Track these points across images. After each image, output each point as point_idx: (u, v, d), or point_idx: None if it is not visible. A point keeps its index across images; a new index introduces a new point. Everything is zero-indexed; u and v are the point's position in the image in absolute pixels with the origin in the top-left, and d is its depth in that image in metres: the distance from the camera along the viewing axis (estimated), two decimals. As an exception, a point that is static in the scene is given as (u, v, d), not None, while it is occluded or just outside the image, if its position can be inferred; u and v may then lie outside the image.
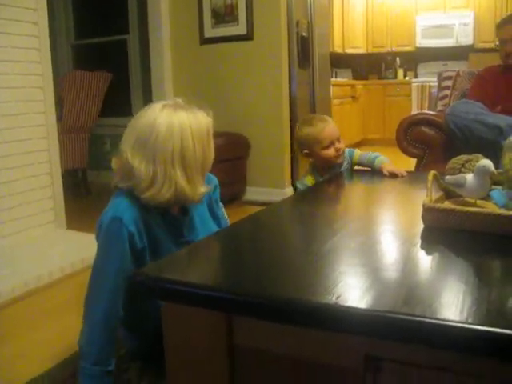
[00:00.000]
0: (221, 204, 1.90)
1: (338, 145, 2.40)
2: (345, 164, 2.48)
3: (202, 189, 1.60)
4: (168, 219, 1.62)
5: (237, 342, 1.06)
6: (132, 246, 1.51)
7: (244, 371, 1.08)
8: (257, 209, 3.66)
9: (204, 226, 1.72)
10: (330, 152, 2.39)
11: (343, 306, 0.92)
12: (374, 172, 2.34)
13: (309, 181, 2.46)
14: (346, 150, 2.50)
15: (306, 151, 2.45)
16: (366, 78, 8.92)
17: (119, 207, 1.53)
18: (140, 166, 1.50)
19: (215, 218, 1.83)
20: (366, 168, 2.45)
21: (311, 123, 2.43)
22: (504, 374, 0.86)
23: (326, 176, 2.42)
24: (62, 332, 2.03)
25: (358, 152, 2.51)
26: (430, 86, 7.75)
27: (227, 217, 1.93)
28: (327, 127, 2.40)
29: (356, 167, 2.51)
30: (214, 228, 1.77)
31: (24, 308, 2.58)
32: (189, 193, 1.55)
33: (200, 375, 1.12)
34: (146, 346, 1.74)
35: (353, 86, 8.18)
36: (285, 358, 1.03)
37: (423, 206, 1.38)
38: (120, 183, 1.57)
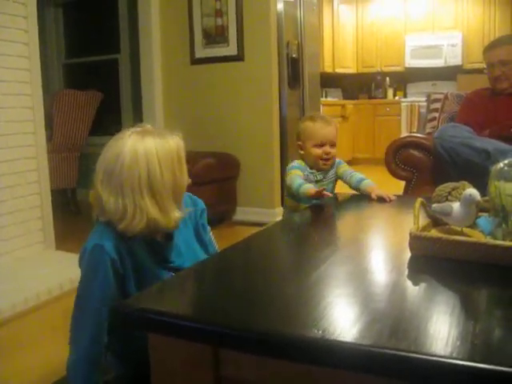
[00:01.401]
0: (208, 228, 1.86)
1: (328, 149, 2.43)
2: (331, 172, 2.51)
3: (176, 214, 1.55)
4: (152, 245, 1.59)
5: (224, 374, 1.06)
6: (115, 273, 1.49)
7: (231, 402, 1.08)
8: (247, 229, 3.69)
9: (189, 251, 1.69)
10: (319, 152, 2.43)
11: (329, 340, 0.92)
12: (361, 195, 2.35)
13: (301, 163, 2.49)
14: (336, 160, 2.53)
15: (299, 142, 2.51)
16: (355, 98, 8.98)
17: (101, 236, 1.50)
18: (109, 199, 1.47)
19: (202, 243, 1.79)
20: (351, 190, 2.46)
21: (313, 119, 2.51)
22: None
23: (313, 171, 2.46)
24: (49, 356, 2.01)
25: (344, 166, 2.54)
26: (419, 106, 7.83)
27: (215, 241, 1.89)
28: (325, 128, 2.46)
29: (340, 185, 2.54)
30: (200, 253, 1.74)
31: (11, 330, 2.55)
32: (161, 221, 1.50)
33: (187, 405, 1.11)
34: (132, 372, 1.73)
35: (343, 105, 8.24)
36: (271, 390, 1.03)
37: (410, 234, 1.39)
38: (100, 216, 1.54)
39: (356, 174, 2.44)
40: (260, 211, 4.64)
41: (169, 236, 1.64)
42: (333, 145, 2.45)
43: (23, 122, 3.41)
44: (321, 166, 2.46)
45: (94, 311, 1.50)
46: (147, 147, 1.48)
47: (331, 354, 0.92)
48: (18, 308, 2.72)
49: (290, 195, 2.47)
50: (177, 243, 1.66)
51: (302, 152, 2.51)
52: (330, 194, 2.24)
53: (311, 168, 2.47)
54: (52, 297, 2.89)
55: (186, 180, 1.61)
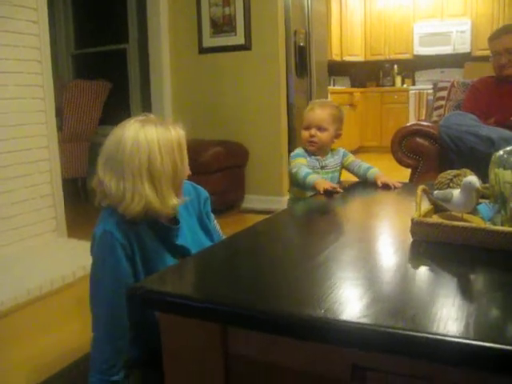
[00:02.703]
0: (212, 216, 1.89)
1: (313, 132, 2.43)
2: (336, 160, 2.52)
3: (174, 201, 1.58)
4: (157, 230, 1.63)
5: (231, 352, 1.11)
6: (126, 256, 1.54)
7: (238, 379, 1.13)
8: (255, 216, 3.74)
9: (195, 239, 1.73)
10: (305, 134, 2.46)
11: (331, 319, 0.97)
12: (366, 183, 2.39)
13: (303, 149, 2.50)
14: (342, 150, 2.56)
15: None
16: (363, 86, 8.98)
17: (108, 221, 1.55)
18: (110, 182, 1.52)
19: (206, 231, 1.82)
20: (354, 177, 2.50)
21: (312, 103, 2.54)
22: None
23: (318, 157, 2.47)
24: (63, 340, 2.08)
25: (351, 157, 2.55)
26: (427, 94, 7.79)
27: (220, 229, 1.93)
28: (313, 111, 2.46)
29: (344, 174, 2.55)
30: (205, 241, 1.77)
31: (27, 316, 2.63)
32: (158, 206, 1.53)
33: (197, 383, 1.17)
34: (146, 356, 1.77)
35: (351, 93, 8.24)
36: (277, 367, 1.08)
37: (412, 220, 1.44)
38: (101, 202, 1.58)
39: (363, 164, 2.47)
40: (268, 199, 4.69)
41: (174, 221, 1.68)
42: (321, 129, 2.44)
43: (35, 112, 3.47)
44: (308, 147, 2.47)
45: (109, 295, 1.54)
46: (148, 134, 1.52)
47: (333, 332, 0.97)
48: (33, 294, 2.79)
49: (294, 185, 2.48)
50: (183, 229, 1.70)
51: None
52: (341, 190, 2.20)
53: (314, 154, 2.48)
54: (65, 283, 2.96)
55: (186, 169, 1.64)
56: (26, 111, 3.40)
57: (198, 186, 1.84)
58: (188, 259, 1.48)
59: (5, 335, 2.42)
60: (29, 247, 3.37)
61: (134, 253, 1.56)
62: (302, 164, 2.38)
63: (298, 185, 2.41)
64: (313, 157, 2.47)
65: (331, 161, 2.50)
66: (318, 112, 2.45)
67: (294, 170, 2.37)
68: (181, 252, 1.65)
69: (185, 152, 1.63)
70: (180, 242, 1.67)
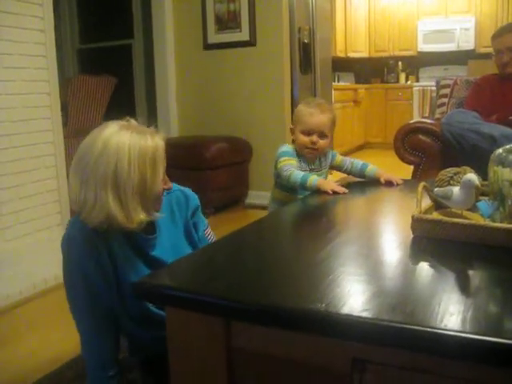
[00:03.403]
0: (205, 224, 1.78)
1: (315, 138, 2.27)
2: (325, 161, 2.40)
3: (142, 216, 1.44)
4: (130, 238, 1.54)
5: (235, 345, 1.14)
6: (95, 262, 1.48)
7: (241, 372, 1.16)
8: (259, 212, 3.76)
9: (174, 249, 1.61)
10: (305, 140, 2.28)
11: (332, 313, 1.00)
12: (368, 180, 2.38)
13: (291, 148, 2.34)
14: (330, 151, 2.42)
15: (291, 126, 2.37)
16: (368, 82, 8.99)
17: (74, 226, 1.50)
18: (75, 187, 1.42)
19: (191, 241, 1.71)
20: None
21: (309, 103, 2.33)
22: (476, 376, 0.93)
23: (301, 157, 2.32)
24: (69, 332, 2.09)
25: (340, 156, 2.45)
26: (431, 91, 7.81)
27: (212, 235, 1.80)
28: (316, 116, 2.27)
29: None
30: (188, 250, 1.65)
31: (32, 309, 2.66)
32: (122, 220, 1.41)
33: (202, 375, 1.19)
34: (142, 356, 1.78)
35: (355, 90, 8.25)
36: (279, 360, 1.11)
37: (412, 217, 1.46)
38: (71, 204, 1.50)
39: (356, 161, 2.41)
40: (271, 195, 4.71)
41: (150, 231, 1.59)
42: (322, 135, 2.28)
43: (40, 107, 3.50)
44: (305, 154, 2.31)
45: (83, 301, 1.52)
46: (120, 142, 1.40)
47: (334, 326, 1.00)
48: (38, 288, 2.83)
49: (279, 186, 2.35)
50: (161, 239, 1.61)
51: (292, 136, 2.36)
52: (347, 191, 2.10)
53: (299, 154, 2.33)
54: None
55: (158, 184, 1.48)
56: (31, 106, 3.43)
57: (190, 194, 1.73)
58: (192, 254, 1.51)
59: (10, 328, 2.45)
60: (34, 241, 3.40)
61: (103, 260, 1.49)
62: (292, 165, 2.23)
63: (282, 186, 2.31)
64: (302, 157, 2.33)
65: (320, 162, 2.38)
66: (321, 117, 2.27)
67: (286, 174, 2.21)
68: (156, 263, 1.55)
69: (159, 165, 1.47)
70: (156, 252, 1.59)
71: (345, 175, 2.53)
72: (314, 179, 2.15)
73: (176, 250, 1.60)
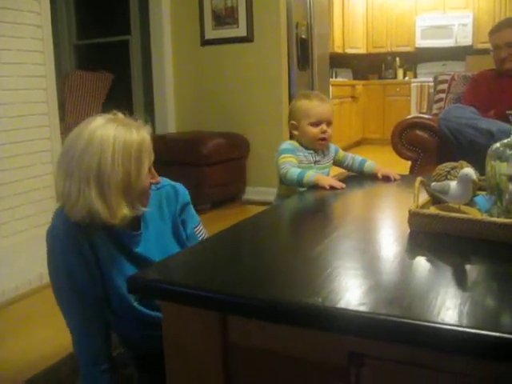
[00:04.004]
0: (196, 221, 1.75)
1: (325, 127, 2.30)
2: (329, 154, 2.40)
3: (125, 211, 1.43)
4: (113, 234, 1.52)
5: (231, 340, 1.13)
6: (77, 256, 1.47)
7: (237, 366, 1.15)
8: (256, 208, 3.76)
9: (160, 246, 1.60)
10: (315, 131, 2.30)
11: (329, 307, 0.99)
12: (365, 175, 2.38)
13: (293, 144, 2.35)
14: (333, 146, 2.44)
15: (293, 122, 2.36)
16: (366, 78, 8.99)
17: (58, 219, 1.49)
18: (59, 181, 1.41)
19: (178, 239, 1.68)
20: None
21: (308, 97, 2.36)
22: (473, 370, 0.93)
23: (311, 151, 2.33)
24: (65, 328, 2.09)
25: (342, 152, 2.46)
26: (429, 86, 7.81)
27: (204, 231, 1.77)
28: (322, 105, 2.32)
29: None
30: (174, 248, 1.61)
31: (27, 306, 2.66)
32: (105, 216, 1.40)
33: (197, 370, 1.19)
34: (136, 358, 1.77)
35: (353, 86, 8.25)
36: (276, 355, 1.10)
37: (409, 211, 1.46)
38: (57, 198, 1.49)
39: (357, 157, 2.42)
40: (269, 191, 4.68)
41: (136, 227, 1.57)
42: (329, 123, 2.33)
43: (37, 103, 3.48)
44: (317, 146, 2.34)
45: (68, 297, 1.52)
46: (105, 134, 1.39)
47: (331, 320, 0.99)
48: (34, 284, 2.82)
49: (284, 183, 2.33)
50: (146, 236, 1.59)
51: (296, 132, 2.36)
52: (344, 186, 2.11)
53: (307, 148, 2.34)
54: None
55: (143, 179, 1.46)
56: (28, 102, 3.41)
57: (180, 188, 1.70)
58: (189, 248, 1.50)
59: (5, 325, 2.45)
60: (30, 237, 3.39)
61: (85, 252, 1.48)
62: (290, 163, 2.24)
63: (289, 185, 2.29)
64: (306, 151, 2.34)
65: (324, 156, 2.39)
66: (325, 106, 2.33)
67: (283, 172, 2.22)
68: (141, 260, 1.54)
69: (145, 159, 1.46)
70: (140, 249, 1.56)
71: (342, 170, 2.53)
72: (310, 175, 2.15)
73: (162, 247, 1.59)
